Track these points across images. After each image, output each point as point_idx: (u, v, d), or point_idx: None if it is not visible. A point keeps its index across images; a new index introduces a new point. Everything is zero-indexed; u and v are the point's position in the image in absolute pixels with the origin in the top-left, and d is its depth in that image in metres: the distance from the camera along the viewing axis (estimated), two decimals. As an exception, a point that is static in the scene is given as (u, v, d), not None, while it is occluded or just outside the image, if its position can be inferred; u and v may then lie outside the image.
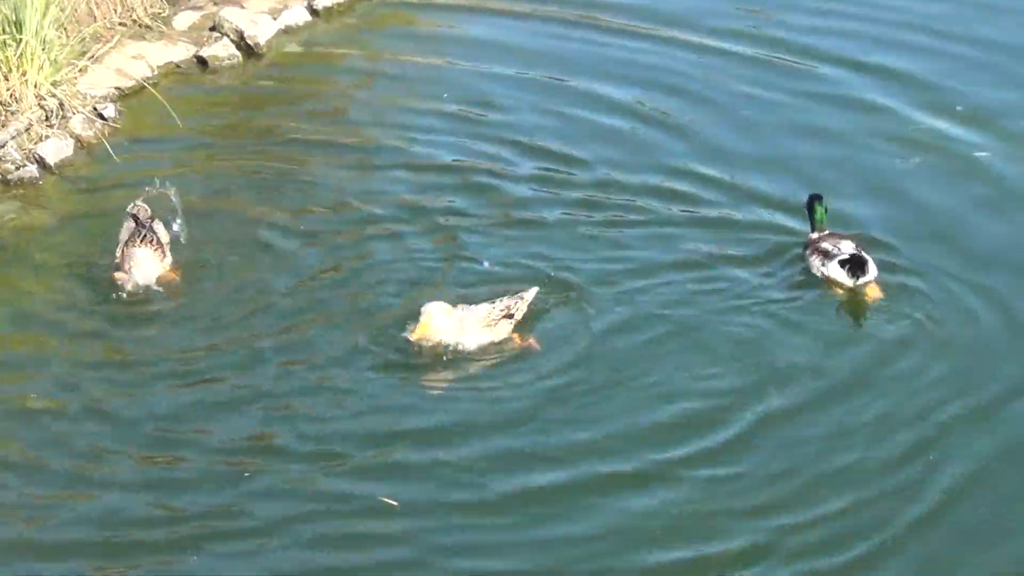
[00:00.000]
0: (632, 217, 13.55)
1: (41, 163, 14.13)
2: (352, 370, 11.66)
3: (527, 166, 14.33)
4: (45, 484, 10.66)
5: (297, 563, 10.06)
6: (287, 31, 16.52)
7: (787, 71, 16.07)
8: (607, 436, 11.04)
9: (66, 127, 14.50)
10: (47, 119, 14.42)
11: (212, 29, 16.25)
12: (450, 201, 13.78)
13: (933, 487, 10.58)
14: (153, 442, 11.01)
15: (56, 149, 14.24)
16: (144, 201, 12.87)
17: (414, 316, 11.73)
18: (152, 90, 15.08)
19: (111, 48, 15.59)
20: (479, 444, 11.01)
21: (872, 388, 11.52)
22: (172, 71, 15.76)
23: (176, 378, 11.62)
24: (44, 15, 14.19)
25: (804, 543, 10.13)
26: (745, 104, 15.44)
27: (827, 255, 12.73)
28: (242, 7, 16.62)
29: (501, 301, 11.94)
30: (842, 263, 12.63)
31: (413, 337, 11.67)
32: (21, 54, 14.14)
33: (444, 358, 11.71)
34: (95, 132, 14.59)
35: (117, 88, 15.22)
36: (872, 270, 12.67)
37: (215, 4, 16.63)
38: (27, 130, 14.25)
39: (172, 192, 12.97)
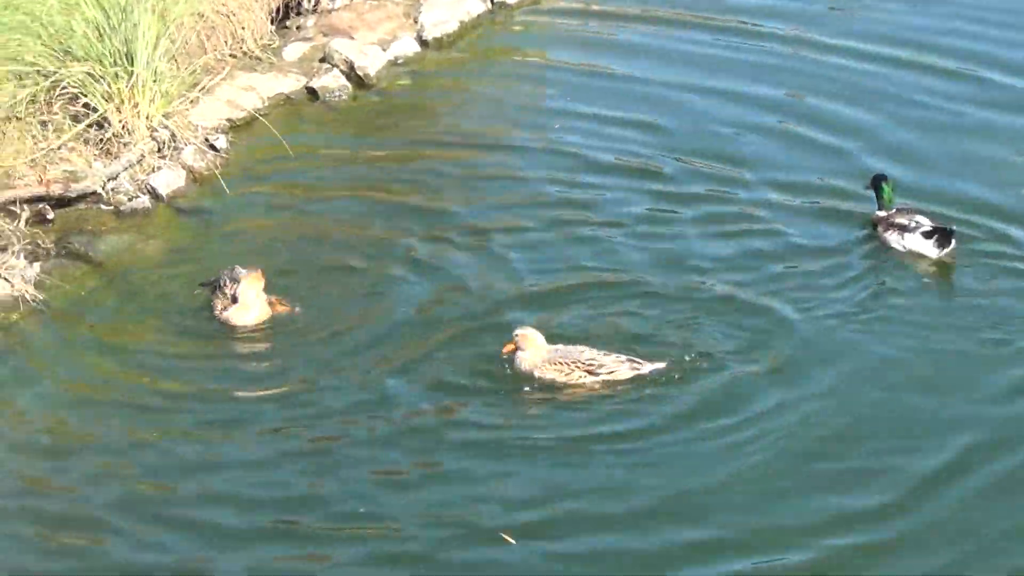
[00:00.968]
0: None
1: (153, 194, 14.02)
2: (471, 396, 11.53)
3: (639, 203, 14.05)
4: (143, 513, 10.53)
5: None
6: (396, 62, 16.41)
7: (954, 76, 16.16)
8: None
9: (178, 158, 14.40)
10: (159, 150, 14.33)
11: (322, 60, 16.13)
12: (563, 230, 13.58)
13: None
14: (268, 470, 10.87)
15: (168, 180, 14.13)
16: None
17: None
18: (264, 121, 14.96)
19: (222, 80, 15.50)
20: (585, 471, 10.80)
21: None
22: (283, 102, 15.64)
23: (291, 409, 11.48)
24: (155, 47, 14.13)
25: None
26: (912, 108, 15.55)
27: (905, 229, 13.11)
28: (352, 38, 16.50)
29: (601, 357, 11.60)
30: (926, 234, 13.00)
31: (505, 350, 11.70)
32: (133, 86, 14.07)
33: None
34: (207, 163, 14.47)
35: (228, 119, 15.12)
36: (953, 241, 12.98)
37: (325, 36, 16.55)
38: (139, 161, 14.15)
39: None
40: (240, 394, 11.68)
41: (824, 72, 16.31)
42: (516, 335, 11.72)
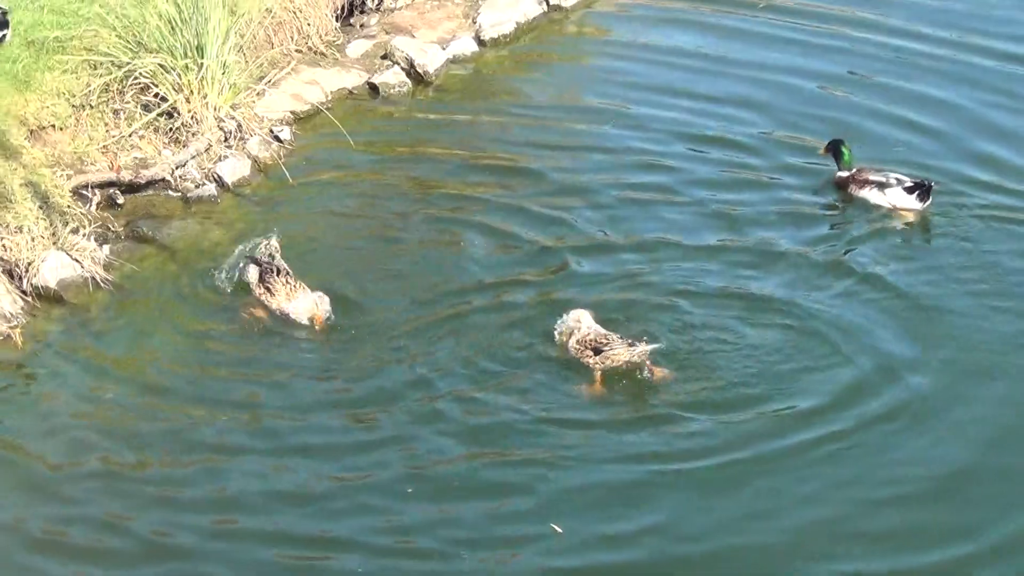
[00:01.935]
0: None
1: (219, 182, 14.17)
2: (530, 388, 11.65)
3: (699, 196, 14.21)
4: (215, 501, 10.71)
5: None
6: (455, 60, 16.53)
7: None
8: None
9: (243, 148, 14.56)
10: (226, 140, 14.48)
11: (384, 57, 16.26)
12: (620, 226, 13.68)
13: None
14: (323, 459, 10.99)
15: (234, 168, 14.28)
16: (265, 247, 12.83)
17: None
18: (327, 113, 15.10)
19: (287, 74, 15.66)
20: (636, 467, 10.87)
21: None
22: (345, 96, 15.77)
23: (339, 394, 11.64)
24: (224, 41, 14.25)
25: None
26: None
27: (884, 185, 13.67)
28: (412, 36, 16.63)
29: (613, 340, 11.59)
30: (908, 189, 13.64)
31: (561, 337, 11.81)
32: (202, 78, 14.21)
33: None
34: (271, 153, 14.61)
35: (292, 112, 15.27)
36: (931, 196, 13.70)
37: (387, 33, 16.68)
38: (207, 150, 14.31)
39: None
40: (298, 370, 11.84)
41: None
42: (566, 319, 11.80)
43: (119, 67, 14.12)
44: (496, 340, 12.06)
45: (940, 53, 16.76)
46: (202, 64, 14.14)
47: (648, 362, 11.56)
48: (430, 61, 16.17)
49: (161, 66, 14.09)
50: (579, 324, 11.70)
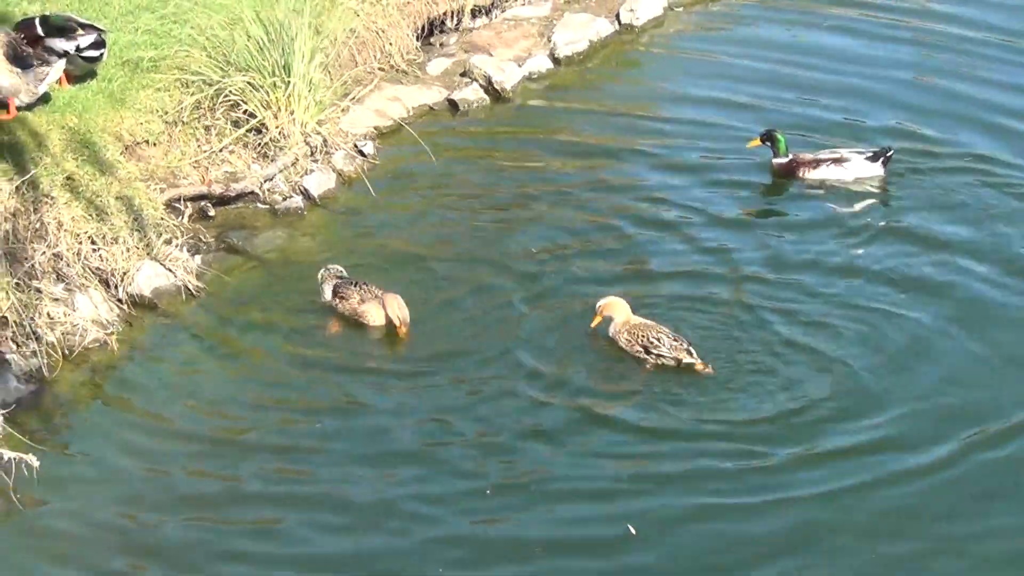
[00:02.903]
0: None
1: (306, 194, 14.34)
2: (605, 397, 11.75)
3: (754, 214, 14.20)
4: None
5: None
6: (531, 77, 16.65)
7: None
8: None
9: (329, 162, 14.70)
10: (312, 154, 14.62)
11: (463, 75, 16.42)
12: (694, 244, 13.73)
13: None
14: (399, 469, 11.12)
15: (319, 182, 14.44)
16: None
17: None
18: (408, 129, 15.22)
19: (370, 91, 15.81)
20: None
21: None
22: (425, 112, 15.91)
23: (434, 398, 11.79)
24: (310, 60, 14.40)
25: None
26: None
27: (842, 160, 14.34)
28: (490, 55, 16.77)
29: (666, 339, 11.85)
30: (870, 158, 14.28)
31: (593, 323, 12.14)
32: (289, 95, 14.37)
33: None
34: (355, 167, 14.77)
35: (375, 127, 15.42)
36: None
37: (466, 52, 16.82)
38: (293, 164, 14.47)
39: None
40: (384, 376, 12.01)
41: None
42: (600, 305, 12.09)
43: (210, 85, 14.30)
44: (582, 350, 12.17)
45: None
46: (289, 82, 14.31)
47: (693, 357, 11.82)
48: (507, 78, 16.32)
49: (250, 84, 14.27)
50: (614, 308, 12.04)
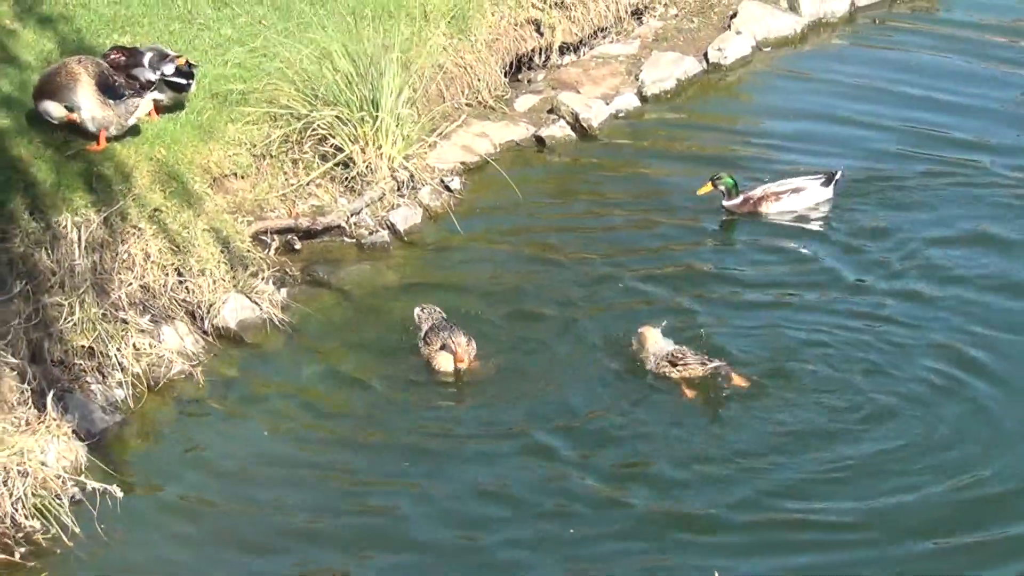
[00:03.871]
0: None
1: (392, 229, 14.20)
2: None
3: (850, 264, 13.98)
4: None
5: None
6: (618, 115, 16.42)
7: None
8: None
9: (415, 197, 14.57)
10: (398, 189, 14.50)
11: (550, 111, 16.22)
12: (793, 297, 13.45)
13: None
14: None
15: (406, 217, 14.30)
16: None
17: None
18: (495, 165, 15.06)
19: (458, 126, 15.65)
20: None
21: None
22: (512, 148, 15.72)
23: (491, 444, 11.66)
24: (398, 95, 14.29)
25: None
26: None
27: (800, 189, 14.41)
28: (578, 92, 16.57)
29: (691, 356, 11.94)
30: (824, 183, 14.45)
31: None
32: (377, 129, 14.25)
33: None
34: (442, 202, 14.62)
35: (462, 163, 15.25)
36: None
37: (553, 89, 16.65)
38: (380, 199, 14.34)
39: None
40: (468, 417, 11.89)
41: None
42: (638, 333, 12.15)
43: (298, 119, 14.21)
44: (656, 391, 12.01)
45: None
46: (377, 117, 14.18)
47: (729, 371, 11.82)
48: (594, 115, 16.11)
49: (338, 118, 14.15)
50: (646, 338, 12.11)
